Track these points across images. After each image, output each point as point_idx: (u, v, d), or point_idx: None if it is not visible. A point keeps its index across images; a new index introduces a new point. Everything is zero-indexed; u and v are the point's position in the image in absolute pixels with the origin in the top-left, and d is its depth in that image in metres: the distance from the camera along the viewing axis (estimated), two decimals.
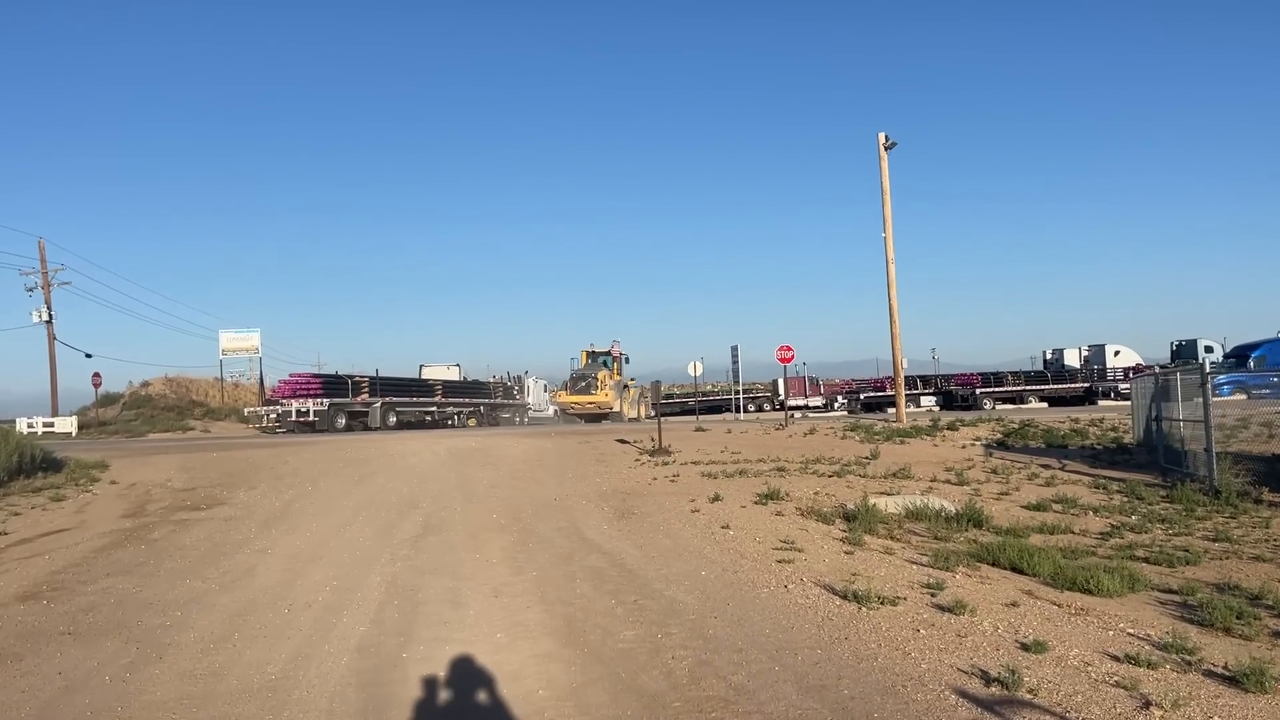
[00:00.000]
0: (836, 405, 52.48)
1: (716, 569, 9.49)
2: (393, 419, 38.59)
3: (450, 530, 12.53)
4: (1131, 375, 45.84)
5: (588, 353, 41.50)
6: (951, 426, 27.44)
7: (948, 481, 17.11)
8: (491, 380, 47.41)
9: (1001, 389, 45.66)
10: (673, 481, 16.98)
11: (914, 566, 9.89)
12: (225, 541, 12.36)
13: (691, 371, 37.09)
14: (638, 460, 20.44)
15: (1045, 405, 43.77)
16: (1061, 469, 18.82)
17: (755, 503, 14.28)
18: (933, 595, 8.34)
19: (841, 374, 67.69)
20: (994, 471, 18.27)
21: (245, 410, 40.03)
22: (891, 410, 45.14)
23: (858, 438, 25.04)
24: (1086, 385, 45.69)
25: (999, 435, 26.41)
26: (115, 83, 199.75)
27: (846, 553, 10.42)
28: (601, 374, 38.89)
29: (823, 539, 11.45)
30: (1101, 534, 12.72)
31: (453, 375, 45.92)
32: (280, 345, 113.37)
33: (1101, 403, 43.04)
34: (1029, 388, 45.83)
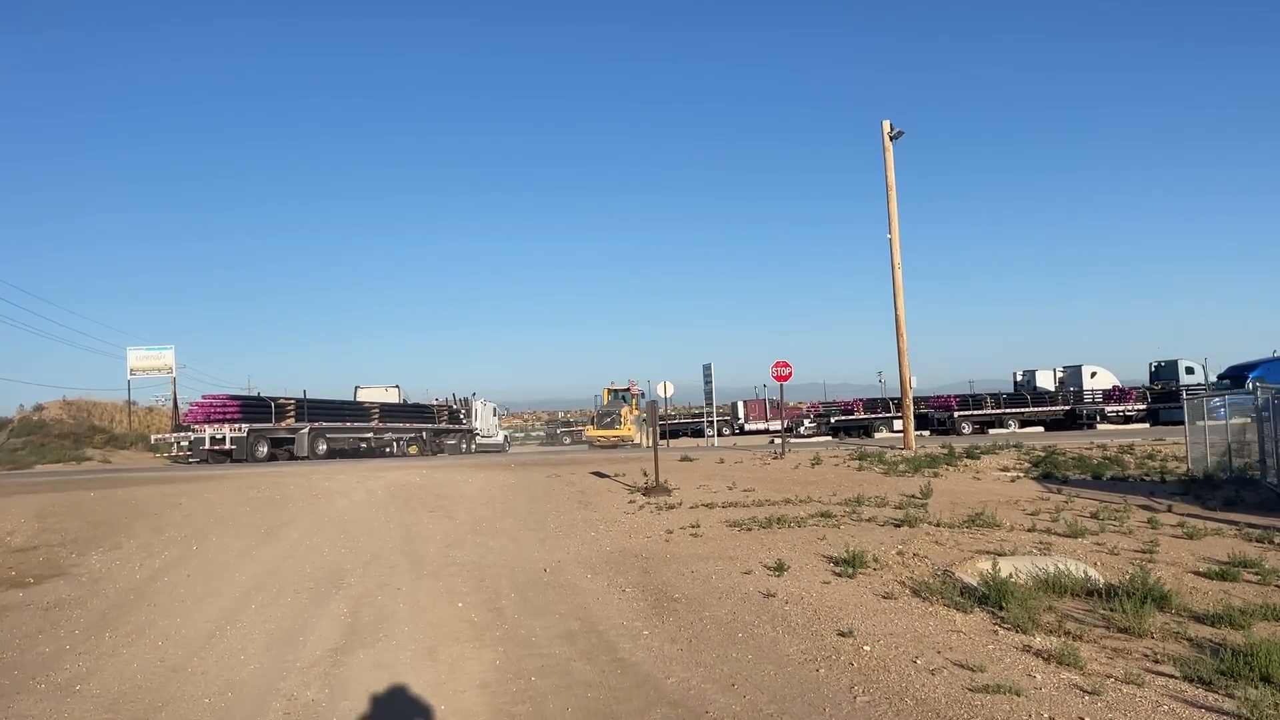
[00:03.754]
0: (803, 429, 48.20)
1: None
2: (323, 447, 33.07)
3: (392, 636, 7.62)
4: (1108, 395, 42.50)
5: (609, 390, 44.50)
6: (970, 454, 23.22)
7: (1049, 531, 12.68)
8: (435, 403, 42.04)
9: (980, 412, 41.80)
10: (695, 536, 12.23)
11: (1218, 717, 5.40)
12: (16, 661, 7.29)
13: (661, 393, 32.52)
14: (631, 501, 15.65)
15: (1040, 429, 39.90)
16: (1168, 510, 14.57)
17: (836, 573, 9.64)
18: None
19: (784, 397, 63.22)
20: (1094, 516, 13.91)
21: (153, 437, 34.14)
22: (881, 434, 41.26)
23: (877, 469, 20.61)
24: (1068, 408, 42.12)
25: (1027, 464, 22.32)
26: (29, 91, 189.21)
27: (1085, 690, 5.86)
28: (624, 410, 41.61)
29: (1001, 650, 6.88)
30: None
31: (391, 397, 40.41)
32: (208, 368, 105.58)
33: (1101, 426, 39.41)
34: (1008, 411, 42.01)
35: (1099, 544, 11.80)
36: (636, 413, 41.52)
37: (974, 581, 9.93)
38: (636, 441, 39.70)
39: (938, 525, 13.00)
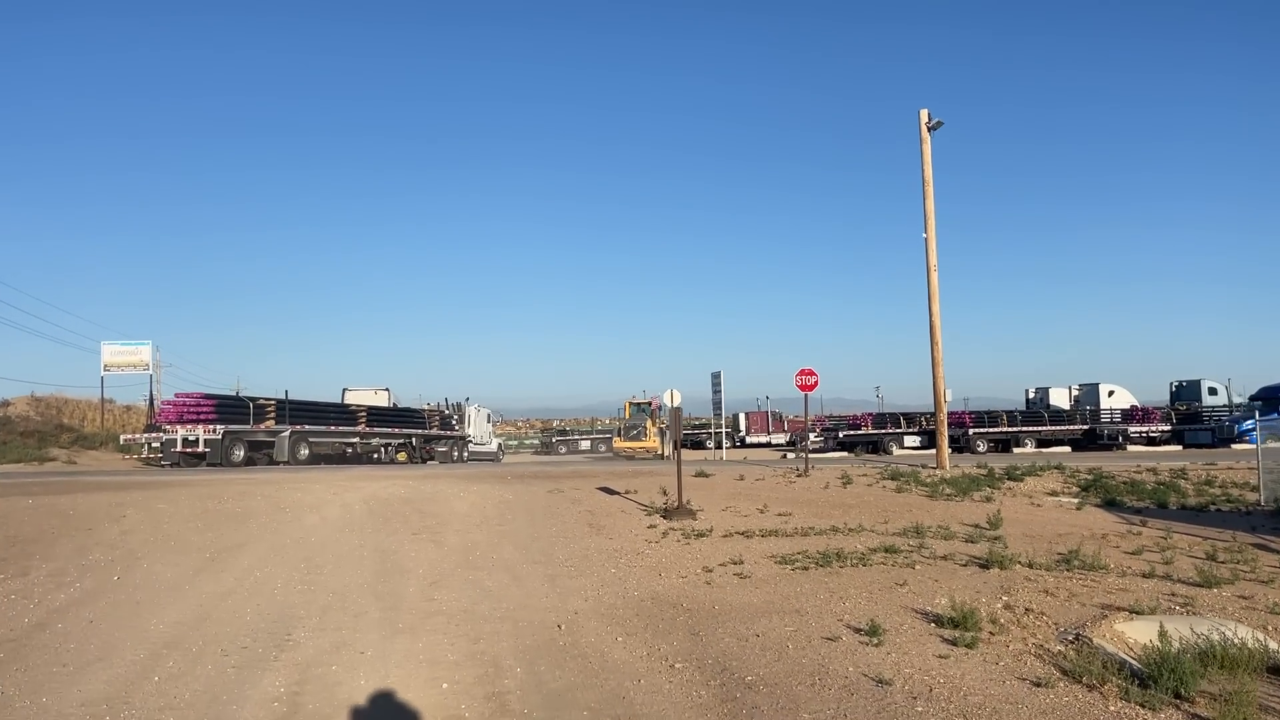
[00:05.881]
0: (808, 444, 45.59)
1: None
2: (304, 451, 30.38)
3: None
4: (1129, 414, 40.09)
5: (631, 404, 45.20)
6: (1011, 476, 20.69)
7: (1169, 577, 10.16)
8: (426, 408, 39.32)
9: (996, 429, 39.27)
10: (741, 576, 9.68)
11: None
12: None
13: (668, 402, 29.96)
14: (651, 526, 13.10)
15: (1065, 449, 37.11)
16: None
17: (946, 639, 7.12)
18: None
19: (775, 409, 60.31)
20: (1210, 558, 11.40)
21: (122, 438, 31.42)
22: (897, 451, 38.70)
23: (918, 492, 18.10)
24: (1087, 427, 39.67)
25: (1075, 488, 19.85)
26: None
27: None
28: (648, 423, 42.83)
29: None
30: None
31: (380, 401, 37.64)
32: (198, 368, 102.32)
33: (1131, 448, 36.94)
34: (1025, 429, 39.47)
35: (1244, 597, 9.29)
36: (661, 424, 41.76)
37: (1119, 650, 7.43)
38: (661, 453, 40.30)
39: (1030, 566, 10.49)
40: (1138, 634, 7.99)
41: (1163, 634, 7.12)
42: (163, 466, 27.80)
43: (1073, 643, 7.60)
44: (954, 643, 7.03)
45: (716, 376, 32.30)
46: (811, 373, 21.81)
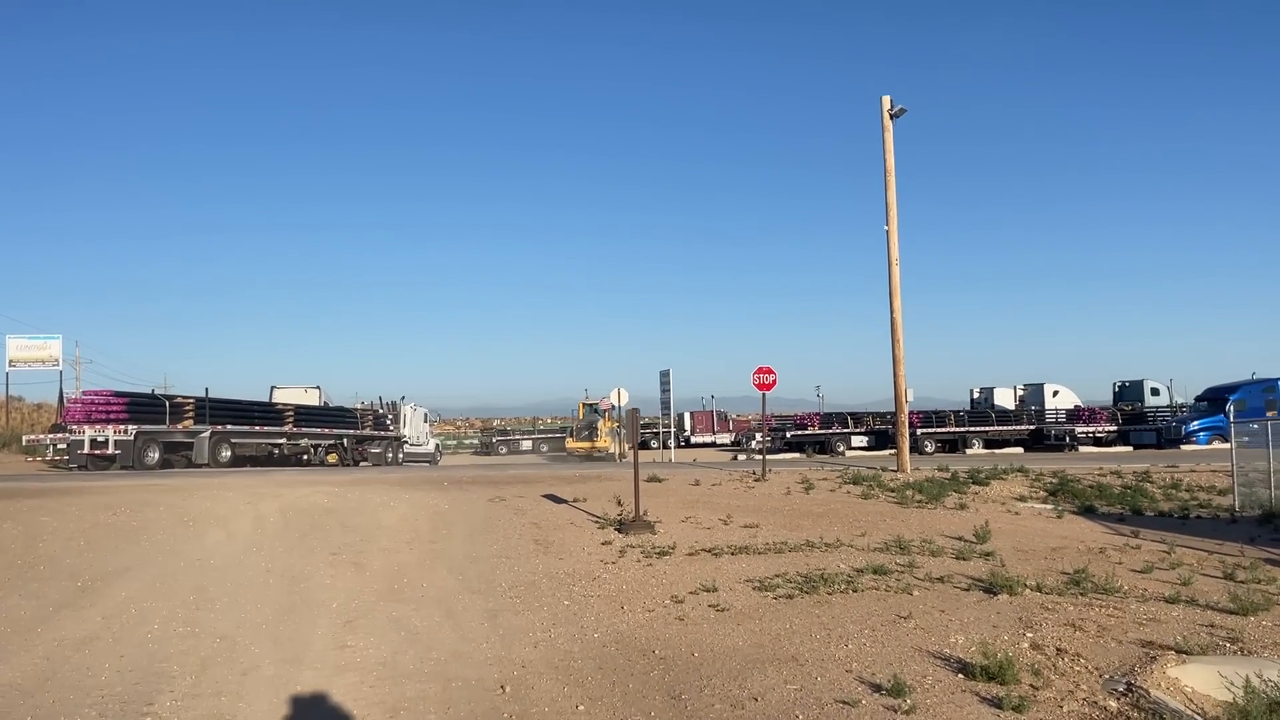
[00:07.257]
0: (754, 444, 44.40)
1: None
2: (226, 453, 27.98)
3: None
4: (1075, 415, 39.62)
5: (583, 405, 46.18)
6: (976, 480, 19.56)
7: (1194, 601, 8.90)
8: (359, 407, 37.04)
9: (944, 430, 38.50)
10: (718, 609, 8.13)
11: None
12: None
13: (615, 400, 28.40)
14: (606, 542, 11.49)
15: (1015, 450, 36.22)
16: None
17: (982, 697, 5.69)
18: None
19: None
20: (1227, 576, 10.23)
21: (24, 438, 28.73)
22: (850, 453, 37.58)
23: (885, 498, 16.87)
24: (1034, 427, 39.10)
25: (1042, 492, 18.90)
26: None
27: None
28: (600, 424, 43.11)
29: None
30: None
31: (311, 399, 35.20)
32: (122, 365, 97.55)
33: (1084, 449, 36.33)
34: (972, 429, 38.76)
35: None
36: (613, 424, 41.63)
37: (1183, 707, 6.07)
38: (614, 451, 40.51)
39: (1040, 590, 9.16)
40: (1196, 682, 6.65)
41: (1249, 690, 5.78)
42: (70, 470, 25.34)
43: (1125, 695, 6.22)
44: (997, 704, 5.59)
45: (665, 375, 30.83)
46: (770, 371, 20.40)
